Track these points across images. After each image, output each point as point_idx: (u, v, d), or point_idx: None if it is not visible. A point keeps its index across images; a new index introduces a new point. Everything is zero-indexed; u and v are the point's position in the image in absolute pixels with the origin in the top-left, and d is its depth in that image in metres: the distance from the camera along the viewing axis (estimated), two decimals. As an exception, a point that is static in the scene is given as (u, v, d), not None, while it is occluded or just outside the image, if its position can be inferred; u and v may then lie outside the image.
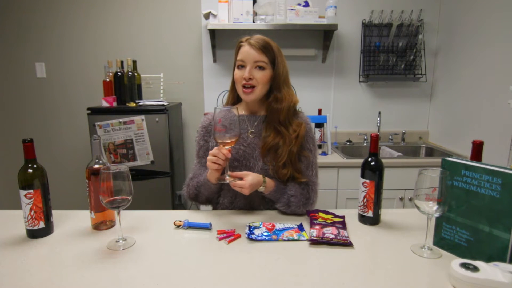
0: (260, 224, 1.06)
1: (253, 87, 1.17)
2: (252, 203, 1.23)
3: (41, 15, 2.54)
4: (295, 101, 1.22)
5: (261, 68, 1.16)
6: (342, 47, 2.60)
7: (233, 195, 1.24)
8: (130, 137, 2.14)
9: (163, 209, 1.24)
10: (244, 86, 1.17)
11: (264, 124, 1.24)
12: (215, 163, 1.06)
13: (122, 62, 2.28)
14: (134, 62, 2.34)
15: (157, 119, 2.14)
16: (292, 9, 2.30)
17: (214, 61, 2.59)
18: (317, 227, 1.02)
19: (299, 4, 2.37)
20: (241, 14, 2.29)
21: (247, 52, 1.16)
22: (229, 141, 1.04)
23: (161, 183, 2.19)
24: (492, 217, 0.80)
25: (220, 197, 1.28)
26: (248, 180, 1.09)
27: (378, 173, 1.05)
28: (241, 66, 1.18)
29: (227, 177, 1.09)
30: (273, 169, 1.19)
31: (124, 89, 2.27)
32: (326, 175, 2.11)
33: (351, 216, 1.13)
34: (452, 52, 2.37)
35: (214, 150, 1.06)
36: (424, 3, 2.51)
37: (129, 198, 0.93)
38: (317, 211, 1.14)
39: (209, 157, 1.07)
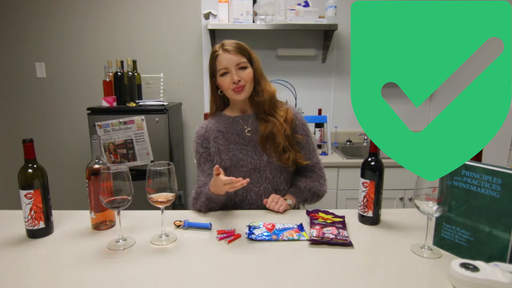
0: (260, 224, 1.06)
1: (242, 86, 1.22)
2: (262, 197, 1.26)
3: (41, 15, 2.54)
4: (274, 90, 1.29)
5: (243, 68, 1.22)
6: (342, 47, 2.59)
7: (243, 191, 1.26)
8: (130, 137, 2.14)
9: (163, 209, 1.24)
10: (235, 89, 1.22)
11: (258, 120, 1.28)
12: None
13: (122, 62, 2.28)
14: (134, 62, 2.34)
15: (157, 119, 2.14)
16: (292, 9, 2.30)
17: (214, 61, 2.58)
18: (317, 227, 1.02)
19: (299, 4, 2.37)
20: (241, 14, 2.29)
21: (227, 58, 1.21)
22: None
23: (161, 183, 2.19)
24: (492, 217, 0.80)
25: (231, 196, 1.28)
26: (271, 199, 1.20)
27: (378, 173, 1.05)
28: (225, 73, 1.22)
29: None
30: (277, 158, 1.25)
31: (124, 89, 2.26)
32: (326, 175, 2.11)
33: (351, 216, 1.13)
34: (452, 52, 2.37)
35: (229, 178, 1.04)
36: (424, 3, 2.51)
37: (129, 198, 0.93)
38: (317, 211, 1.14)
39: (227, 184, 1.04)
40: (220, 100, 1.34)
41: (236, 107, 1.32)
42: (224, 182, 1.04)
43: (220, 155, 1.27)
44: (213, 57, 1.24)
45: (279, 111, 1.29)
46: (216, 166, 1.07)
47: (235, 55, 1.20)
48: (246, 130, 1.28)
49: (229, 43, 1.23)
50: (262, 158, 1.25)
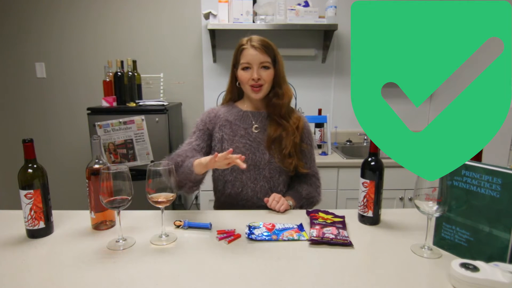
0: (260, 224, 1.06)
1: (261, 85, 1.23)
2: (258, 194, 1.27)
3: (41, 15, 2.54)
4: (292, 95, 1.32)
5: (266, 67, 1.23)
6: (342, 47, 2.59)
7: (240, 185, 1.27)
8: (130, 137, 2.14)
9: (163, 209, 1.24)
10: (253, 86, 1.23)
11: (268, 120, 1.29)
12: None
13: (122, 62, 2.28)
14: (134, 62, 2.34)
15: (157, 119, 2.14)
16: (292, 9, 2.30)
17: (214, 61, 2.59)
18: (317, 227, 1.02)
19: (299, 4, 2.37)
20: (241, 14, 2.29)
21: (252, 54, 1.22)
22: None
23: (161, 183, 2.19)
24: (492, 217, 0.80)
25: (227, 188, 1.29)
26: (272, 198, 1.19)
27: (378, 173, 1.05)
28: (247, 68, 1.23)
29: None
30: (279, 160, 1.26)
31: (124, 89, 2.27)
32: (326, 175, 2.11)
33: (351, 216, 1.13)
34: (452, 52, 2.36)
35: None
36: (424, 3, 2.51)
37: (129, 198, 0.93)
38: (317, 211, 1.14)
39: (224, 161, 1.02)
40: (236, 92, 1.36)
41: (249, 102, 1.34)
42: (218, 157, 0.99)
43: (222, 144, 1.28)
44: (239, 50, 1.25)
45: (293, 118, 1.30)
46: (231, 149, 1.01)
47: (261, 53, 1.22)
48: (253, 127, 1.29)
49: (257, 39, 1.24)
50: (263, 156, 1.26)
